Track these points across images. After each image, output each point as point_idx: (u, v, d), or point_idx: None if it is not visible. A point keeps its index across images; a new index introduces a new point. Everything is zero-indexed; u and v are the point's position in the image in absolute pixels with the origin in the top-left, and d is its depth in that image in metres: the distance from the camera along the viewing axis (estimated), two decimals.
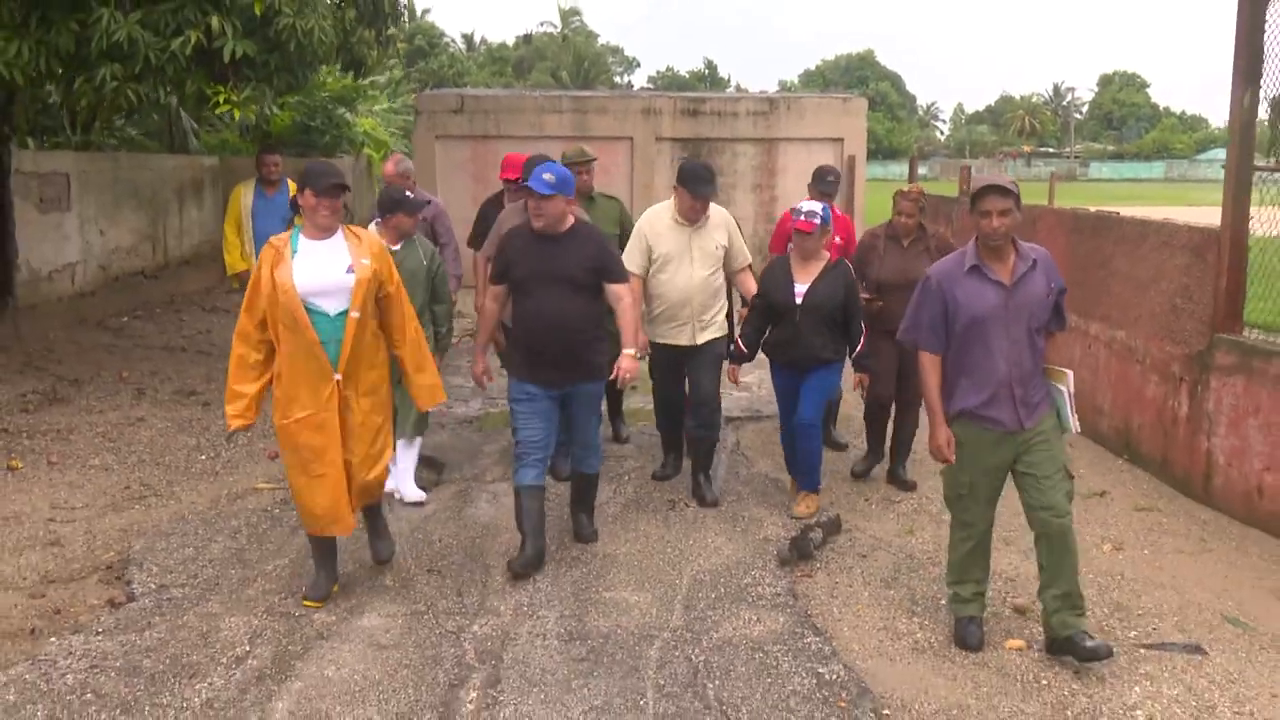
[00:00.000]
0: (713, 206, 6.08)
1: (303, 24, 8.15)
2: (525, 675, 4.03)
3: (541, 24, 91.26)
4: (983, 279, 4.21)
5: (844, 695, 3.92)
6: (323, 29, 8.40)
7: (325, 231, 4.54)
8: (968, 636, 4.39)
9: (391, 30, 10.92)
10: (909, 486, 6.42)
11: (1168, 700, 3.93)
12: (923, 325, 4.35)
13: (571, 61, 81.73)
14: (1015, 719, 3.81)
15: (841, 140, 16.67)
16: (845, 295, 5.78)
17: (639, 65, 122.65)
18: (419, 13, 63.40)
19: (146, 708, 3.79)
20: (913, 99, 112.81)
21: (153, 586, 4.89)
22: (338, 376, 4.49)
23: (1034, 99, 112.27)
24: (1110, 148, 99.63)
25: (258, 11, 7.92)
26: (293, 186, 7.96)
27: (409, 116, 27.49)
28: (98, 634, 4.36)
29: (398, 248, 5.82)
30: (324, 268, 4.47)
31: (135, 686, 3.92)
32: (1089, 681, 4.06)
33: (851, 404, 6.05)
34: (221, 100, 8.09)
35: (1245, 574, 5.18)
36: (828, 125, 16.62)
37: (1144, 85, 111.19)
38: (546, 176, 4.99)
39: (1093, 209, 8.50)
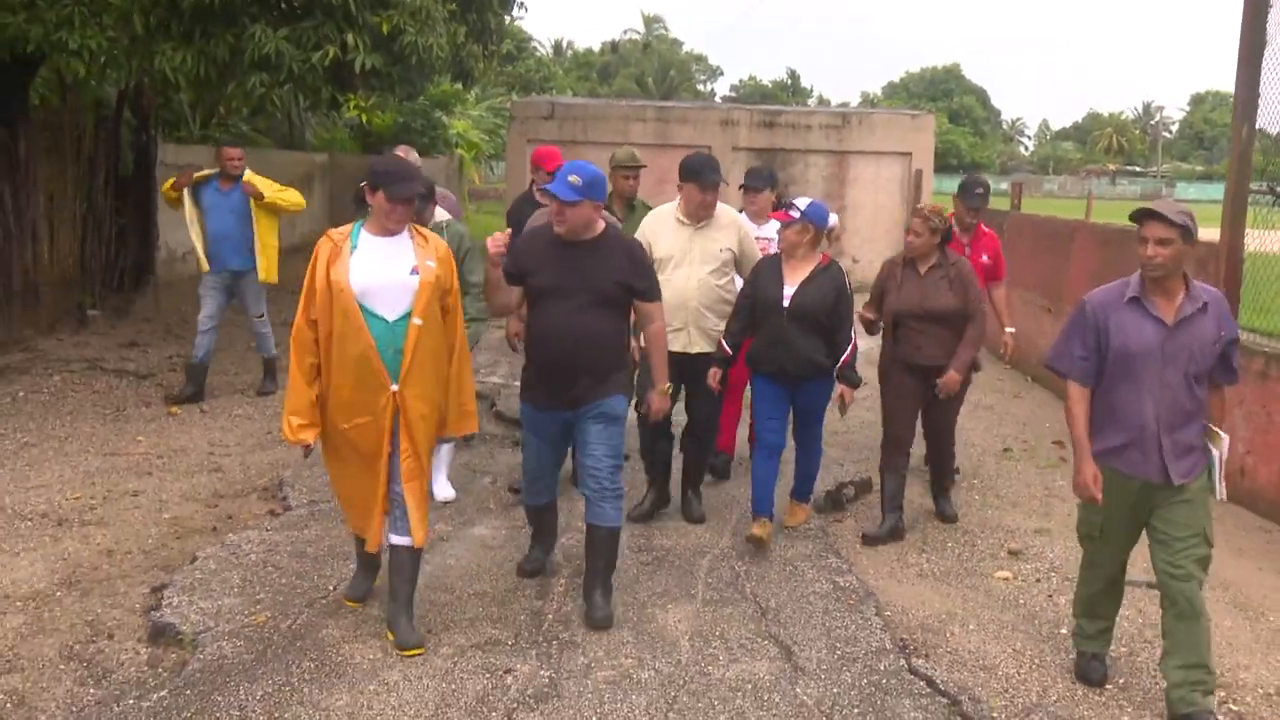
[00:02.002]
0: (723, 207, 5.79)
1: (423, 40, 9.29)
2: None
3: (626, 31, 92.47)
4: (1142, 313, 3.87)
5: (854, 597, 4.93)
6: (439, 45, 9.54)
7: (391, 231, 4.17)
8: (1090, 672, 4.23)
9: (495, 45, 12.09)
10: (953, 519, 6.11)
11: (1121, 617, 4.84)
12: (1073, 354, 4.02)
13: (656, 69, 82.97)
14: (991, 624, 4.76)
15: (910, 154, 17.56)
16: (836, 298, 5.40)
17: (722, 73, 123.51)
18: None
19: (314, 577, 4.95)
20: (997, 113, 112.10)
21: (304, 501, 6.04)
22: (394, 387, 4.09)
23: (1122, 117, 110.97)
24: (1199, 168, 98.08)
25: (385, 30, 9.08)
26: (258, 184, 8.36)
27: (495, 119, 28.89)
28: (267, 530, 5.54)
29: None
30: (385, 267, 4.10)
31: (304, 563, 5.08)
32: (1059, 602, 5.00)
33: (832, 418, 5.86)
34: (352, 106, 9.30)
35: (1219, 539, 6.04)
36: (897, 140, 17.51)
37: None
38: (572, 179, 4.39)
39: (1122, 224, 9.32)
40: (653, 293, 4.70)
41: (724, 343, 5.53)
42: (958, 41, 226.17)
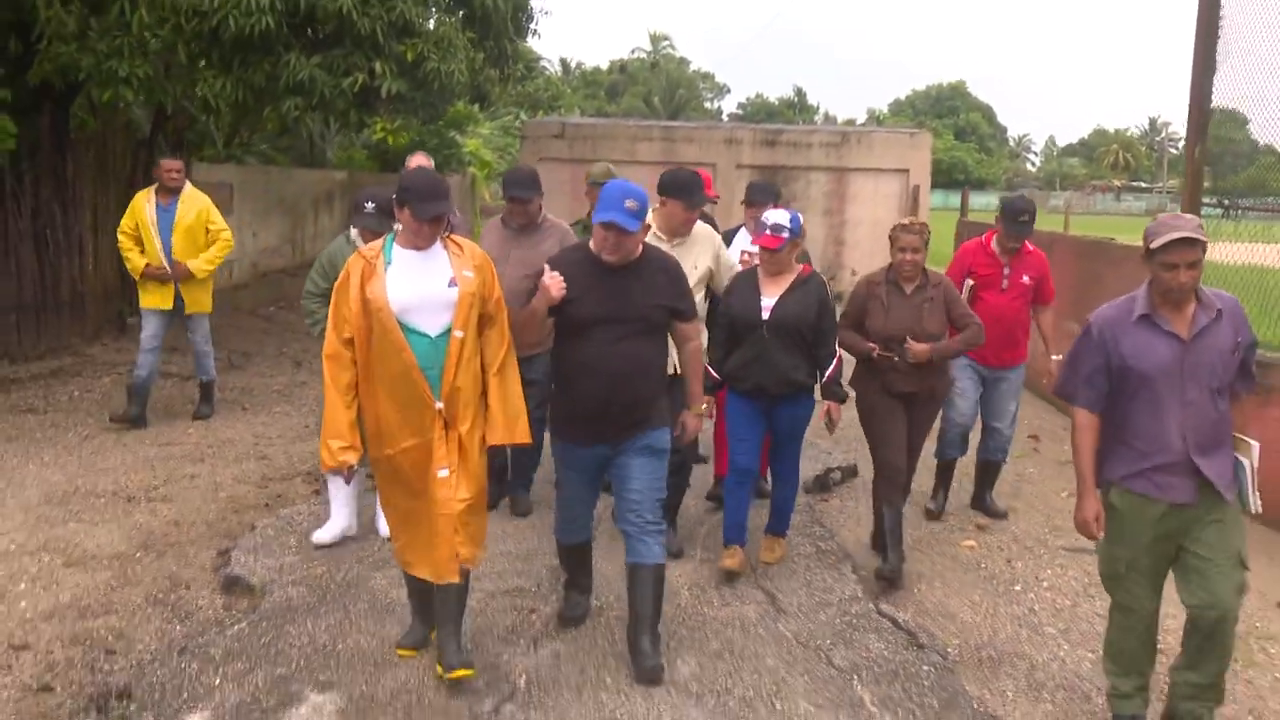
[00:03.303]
0: (699, 225, 5.50)
1: (445, 67, 10.04)
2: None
3: (633, 50, 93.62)
4: (1154, 331, 3.65)
5: (833, 558, 5.62)
6: (460, 70, 10.29)
7: (421, 245, 4.01)
8: None
9: (510, 70, 12.84)
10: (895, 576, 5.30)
11: (1069, 577, 5.52)
12: (1079, 379, 3.82)
13: (663, 87, 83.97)
14: (955, 583, 5.42)
15: (907, 171, 18.25)
16: (819, 311, 5.13)
17: (729, 91, 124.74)
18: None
19: (360, 539, 5.67)
20: (1004, 130, 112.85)
21: None
22: (439, 405, 3.93)
23: (1128, 133, 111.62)
24: (1205, 184, 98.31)
25: (410, 57, 9.83)
26: (195, 199, 8.04)
27: (505, 137, 29.73)
28: (315, 505, 6.22)
29: None
30: (423, 281, 3.94)
31: (350, 529, 5.76)
32: (1016, 566, 5.66)
33: (816, 429, 5.64)
34: (379, 128, 10.04)
35: None
36: (894, 157, 18.21)
37: (1244, 122, 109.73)
38: (629, 204, 4.07)
39: (1098, 237, 10.02)
40: (692, 311, 4.47)
41: (710, 369, 5.16)
42: (963, 59, 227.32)
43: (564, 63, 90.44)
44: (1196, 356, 3.63)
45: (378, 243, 4.09)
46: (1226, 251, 7.47)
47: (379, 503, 4.64)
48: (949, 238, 15.82)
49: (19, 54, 9.47)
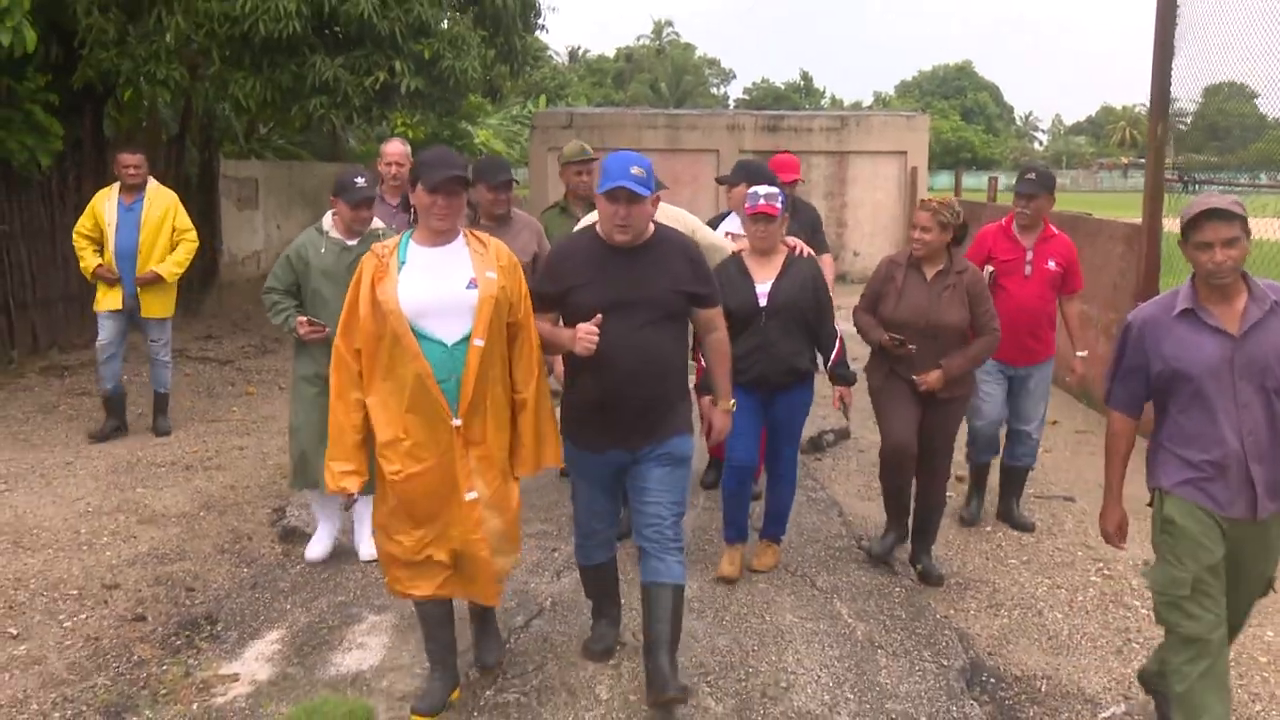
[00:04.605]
0: (666, 207, 4.84)
1: (459, 65, 10.65)
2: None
3: (639, 38, 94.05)
4: (1198, 326, 3.32)
5: (823, 505, 6.29)
6: (473, 67, 10.91)
7: (442, 236, 3.61)
8: None
9: (519, 65, 13.45)
10: (938, 581, 5.16)
11: (1035, 519, 6.13)
12: (1113, 380, 3.57)
13: (669, 74, 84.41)
14: (947, 546, 6.05)
15: (905, 153, 18.84)
16: (815, 292, 4.93)
17: (735, 77, 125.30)
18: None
19: None
20: (1010, 109, 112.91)
21: None
22: (457, 422, 3.52)
23: (1136, 110, 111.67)
24: (1214, 159, 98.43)
25: (427, 56, 10.44)
26: (161, 196, 7.55)
27: (513, 126, 30.34)
28: None
29: (353, 243, 5.12)
30: (439, 281, 3.56)
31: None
32: (988, 511, 6.28)
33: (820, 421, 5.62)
34: (399, 123, 10.66)
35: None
36: (892, 140, 18.79)
37: (1252, 96, 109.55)
38: (635, 170, 3.67)
39: (1078, 212, 10.60)
40: (715, 297, 3.99)
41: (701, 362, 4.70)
42: (969, 38, 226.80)
43: (571, 51, 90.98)
44: (1249, 354, 3.26)
45: (392, 240, 3.68)
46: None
47: (371, 522, 4.19)
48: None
49: (60, 61, 10.11)
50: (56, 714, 3.87)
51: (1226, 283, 3.27)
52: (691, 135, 18.53)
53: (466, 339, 3.52)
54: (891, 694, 4.06)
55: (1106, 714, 3.97)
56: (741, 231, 5.36)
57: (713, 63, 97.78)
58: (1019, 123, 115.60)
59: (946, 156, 73.58)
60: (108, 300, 7.52)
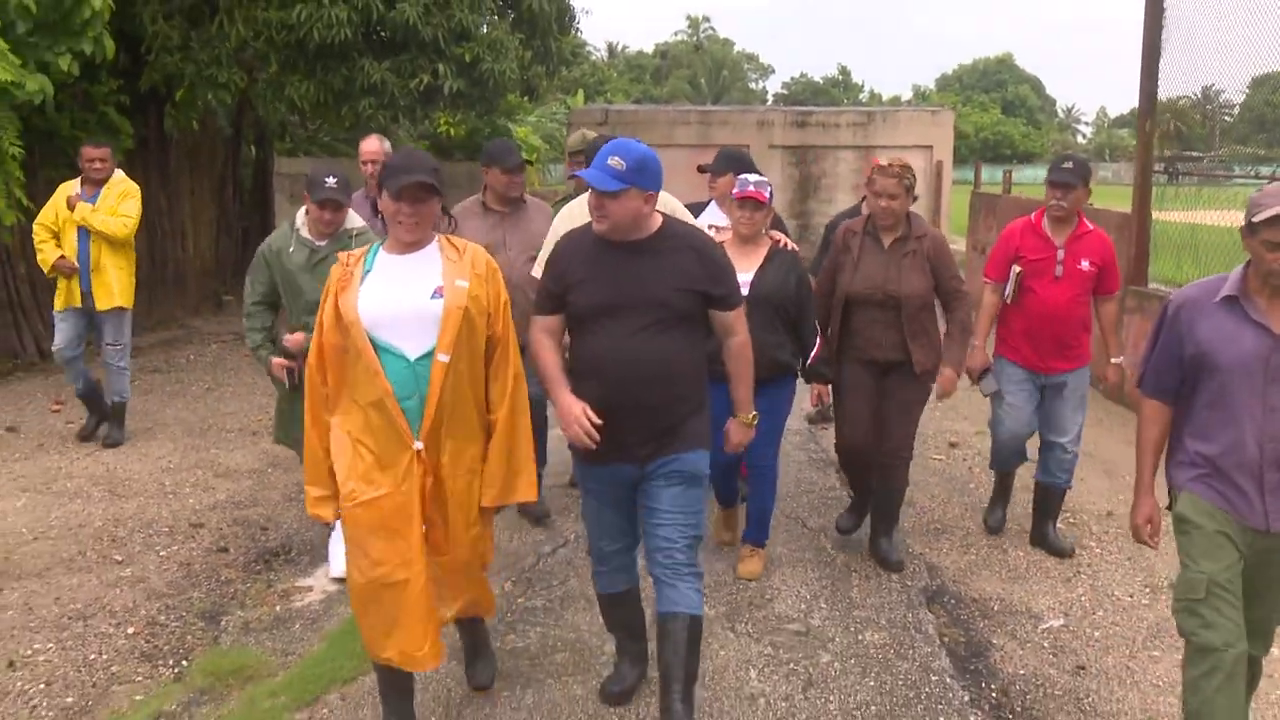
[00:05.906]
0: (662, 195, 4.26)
1: (498, 67, 11.39)
2: None
3: (676, 33, 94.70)
4: (1240, 318, 3.10)
5: (820, 463, 6.96)
6: (511, 69, 11.65)
7: (411, 246, 3.39)
8: None
9: (555, 66, 14.19)
10: (897, 567, 5.15)
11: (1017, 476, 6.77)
12: (1148, 363, 3.35)
13: (708, 69, 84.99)
14: (921, 484, 6.63)
15: (931, 147, 19.37)
16: (797, 284, 4.77)
17: (774, 71, 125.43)
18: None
19: None
20: (1052, 102, 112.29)
21: None
22: (418, 446, 3.27)
23: (1181, 102, 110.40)
24: (1261, 151, 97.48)
25: (468, 59, 11.20)
26: (116, 187, 7.20)
27: (551, 123, 31.15)
28: None
29: (322, 244, 4.85)
30: (401, 290, 3.31)
31: None
32: (974, 472, 6.92)
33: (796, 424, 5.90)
34: (443, 122, 11.42)
35: (1114, 433, 7.92)
36: (918, 134, 19.33)
37: None
38: (613, 161, 3.41)
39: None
40: (733, 299, 3.66)
41: None
42: (1010, 30, 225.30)
43: (610, 47, 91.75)
44: None
45: (360, 250, 3.48)
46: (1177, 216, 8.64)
47: (342, 539, 3.72)
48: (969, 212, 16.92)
49: (128, 66, 10.98)
50: (162, 618, 4.67)
51: None
52: (722, 131, 19.18)
53: (431, 353, 3.26)
54: (859, 605, 4.78)
55: (1046, 625, 4.64)
56: (723, 223, 5.21)
57: (751, 58, 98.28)
58: (1061, 115, 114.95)
59: (985, 152, 73.42)
60: (65, 296, 7.21)
